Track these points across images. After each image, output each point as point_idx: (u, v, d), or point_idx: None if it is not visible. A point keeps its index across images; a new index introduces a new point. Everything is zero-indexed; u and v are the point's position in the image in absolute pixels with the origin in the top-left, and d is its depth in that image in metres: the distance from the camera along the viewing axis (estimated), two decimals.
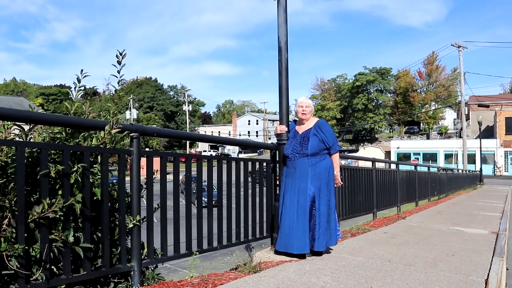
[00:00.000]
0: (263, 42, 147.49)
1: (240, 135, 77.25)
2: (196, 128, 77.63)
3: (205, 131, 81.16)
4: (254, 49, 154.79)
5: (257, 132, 75.36)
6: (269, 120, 75.03)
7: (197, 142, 63.39)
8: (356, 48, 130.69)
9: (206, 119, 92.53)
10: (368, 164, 7.07)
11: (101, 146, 2.60)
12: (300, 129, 3.81)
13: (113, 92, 2.87)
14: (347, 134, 71.49)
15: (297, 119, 3.94)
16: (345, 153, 52.83)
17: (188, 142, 61.08)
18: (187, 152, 61.84)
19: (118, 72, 2.77)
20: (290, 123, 4.02)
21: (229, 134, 77.60)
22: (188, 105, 64.48)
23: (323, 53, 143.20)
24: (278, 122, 4.06)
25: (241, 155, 64.35)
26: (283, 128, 3.94)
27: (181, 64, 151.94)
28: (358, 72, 65.82)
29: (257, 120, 77.13)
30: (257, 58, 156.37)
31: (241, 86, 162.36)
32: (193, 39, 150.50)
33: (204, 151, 70.25)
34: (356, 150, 57.13)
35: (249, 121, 78.28)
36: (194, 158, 3.38)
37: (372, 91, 65.79)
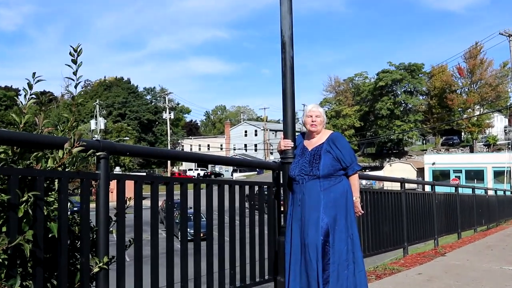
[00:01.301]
0: (263, 33, 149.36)
1: (234, 149, 77.38)
2: (179, 141, 77.94)
3: (191, 145, 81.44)
4: (251, 41, 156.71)
5: (255, 145, 75.57)
6: (270, 130, 75.34)
7: None
8: (379, 40, 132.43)
9: (192, 130, 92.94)
10: (396, 186, 7.08)
11: (59, 169, 2.58)
12: (310, 144, 3.82)
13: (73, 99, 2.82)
14: (369, 147, 71.90)
15: (305, 131, 3.96)
16: (367, 171, 52.88)
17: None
18: (169, 171, 62.88)
19: (75, 73, 2.72)
20: (297, 136, 4.03)
21: (221, 148, 77.77)
22: (170, 112, 64.69)
23: (338, 46, 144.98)
24: (281, 135, 4.07)
25: (237, 174, 64.36)
26: (288, 143, 3.96)
27: (161, 61, 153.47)
28: (381, 70, 66.65)
29: (255, 131, 77.45)
30: (256, 52, 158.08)
31: (236, 88, 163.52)
32: (176, 30, 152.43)
33: (190, 169, 70.26)
34: (381, 167, 57.28)
35: (245, 131, 78.61)
36: (177, 182, 3.38)
37: (399, 93, 66.36)
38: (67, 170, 2.63)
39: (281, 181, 4.13)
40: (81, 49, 2.72)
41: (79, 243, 2.68)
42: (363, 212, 4.06)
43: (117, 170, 41.83)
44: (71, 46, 2.71)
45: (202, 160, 4.00)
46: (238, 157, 74.96)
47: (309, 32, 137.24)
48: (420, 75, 65.90)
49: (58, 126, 2.86)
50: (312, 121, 3.81)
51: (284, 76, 4.08)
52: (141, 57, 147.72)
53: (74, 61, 2.72)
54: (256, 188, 4.12)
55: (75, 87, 2.80)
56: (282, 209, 4.18)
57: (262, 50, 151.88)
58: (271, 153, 70.86)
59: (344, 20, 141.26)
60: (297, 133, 4.04)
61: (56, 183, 2.57)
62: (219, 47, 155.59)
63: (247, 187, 3.97)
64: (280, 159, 4.10)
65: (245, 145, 76.96)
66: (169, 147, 60.65)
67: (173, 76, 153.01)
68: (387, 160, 63.33)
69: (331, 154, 3.66)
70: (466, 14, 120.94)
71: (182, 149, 79.07)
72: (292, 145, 3.95)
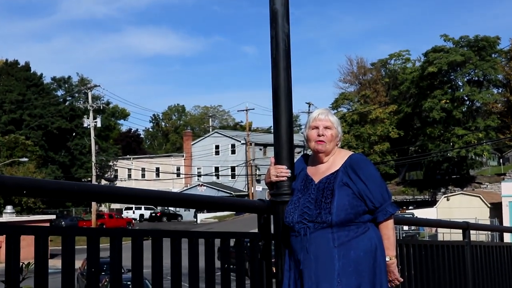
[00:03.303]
0: None
1: (199, 175, 77.19)
2: (111, 163, 77.40)
3: (130, 169, 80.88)
4: (225, 3, 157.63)
5: (233, 169, 75.52)
6: (256, 145, 75.60)
7: None
8: (424, 2, 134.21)
9: (132, 144, 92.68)
10: (457, 234, 7.11)
11: None
12: (316, 172, 3.85)
13: None
14: (413, 171, 72.47)
15: (309, 152, 3.98)
16: (409, 209, 53.18)
17: None
18: (94, 211, 61.89)
19: None
20: (297, 159, 4.05)
21: (178, 174, 77.51)
22: (95, 118, 64.37)
23: (363, 9, 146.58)
24: (272, 158, 4.08)
25: (203, 215, 64.16)
26: (283, 172, 3.95)
27: (80, 35, 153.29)
28: (431, 48, 66.99)
29: (232, 145, 77.66)
30: (232, 21, 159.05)
31: (201, 78, 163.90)
32: None
33: (129, 208, 69.78)
34: (432, 203, 57.58)
35: (217, 146, 78.71)
36: (102, 234, 3.38)
37: (461, 84, 66.90)
38: None
39: (272, 231, 4.13)
40: None
41: None
42: (402, 280, 4.06)
43: (9, 209, 41.32)
44: None
45: (143, 199, 3.96)
46: (204, 187, 74.94)
47: None
48: (494, 55, 65.79)
49: None
50: (319, 136, 3.82)
51: (275, 65, 4.10)
52: (47, 28, 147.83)
53: None
54: (233, 242, 4.12)
55: None
56: (273, 273, 4.18)
57: (243, 16, 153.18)
58: (258, 181, 70.92)
59: None
60: (297, 154, 4.05)
61: None
62: (174, 13, 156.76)
63: (218, 241, 3.96)
64: (270, 195, 4.10)
65: (216, 169, 76.85)
66: (93, 174, 60.24)
67: (100, 59, 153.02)
68: (443, 190, 63.69)
69: (350, 188, 3.68)
70: None
71: (115, 175, 78.62)
72: (289, 174, 3.95)
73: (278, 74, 4.13)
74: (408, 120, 70.48)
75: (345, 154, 3.85)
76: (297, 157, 4.12)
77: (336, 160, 3.83)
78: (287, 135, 4.12)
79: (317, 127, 3.83)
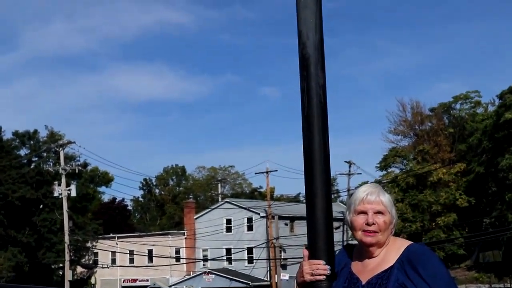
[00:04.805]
0: (261, 14, 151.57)
1: (205, 260, 76.69)
2: (89, 244, 77.15)
3: (115, 252, 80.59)
4: (237, 31, 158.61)
5: (250, 251, 75.10)
6: (280, 218, 75.12)
7: None
8: (502, 23, 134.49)
9: (117, 219, 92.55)
10: None
11: None
12: (364, 269, 3.89)
13: None
14: (488, 250, 71.56)
15: (353, 241, 4.00)
16: None
17: None
18: None
19: None
20: (338, 252, 4.07)
21: (178, 259, 77.04)
22: (69, 184, 64.74)
23: (416, 40, 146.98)
24: (304, 250, 4.07)
25: None
26: (320, 268, 3.93)
27: (48, 77, 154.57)
28: (507, 88, 67.11)
29: (248, 219, 77.40)
30: (246, 53, 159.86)
31: (207, 129, 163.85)
32: (76, 14, 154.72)
33: None
34: None
35: (228, 220, 78.48)
36: None
37: None
38: None
39: None
40: None
41: None
42: None
43: None
44: None
45: None
46: (211, 275, 73.84)
47: (357, 6, 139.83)
48: None
49: None
50: (368, 225, 3.85)
51: (307, 126, 4.11)
52: (7, 68, 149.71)
53: None
54: None
55: None
56: None
57: (261, 47, 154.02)
58: (283, 267, 70.36)
59: None
60: (337, 247, 4.06)
61: None
62: (170, 46, 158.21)
63: None
64: None
65: (228, 250, 76.52)
66: (67, 259, 60.20)
67: (76, 107, 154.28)
68: None
69: None
70: None
71: (95, 260, 78.44)
72: (328, 272, 3.90)
73: (311, 137, 4.13)
74: (480, 183, 69.98)
75: (401, 244, 3.86)
76: (338, 250, 4.13)
77: (389, 252, 3.84)
78: (324, 218, 4.09)
79: (365, 212, 3.86)
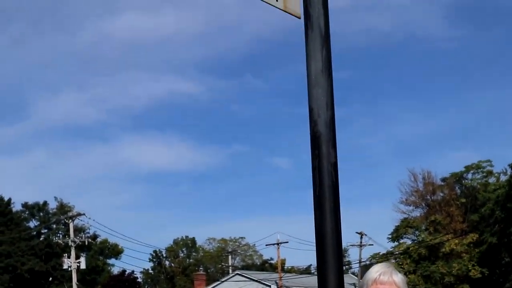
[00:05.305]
0: (271, 82, 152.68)
1: None
2: None
3: None
4: (247, 101, 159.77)
5: None
6: None
7: None
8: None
9: None
10: None
11: None
12: None
13: None
14: None
15: None
16: None
17: None
18: None
19: None
20: None
21: None
22: (79, 256, 64.55)
23: (427, 108, 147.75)
24: None
25: None
26: None
27: (57, 147, 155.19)
28: None
29: None
30: (257, 124, 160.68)
31: (218, 201, 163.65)
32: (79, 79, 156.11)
33: None
34: None
35: None
36: None
37: None
38: None
39: None
40: None
41: None
42: None
43: None
44: None
45: None
46: None
47: (366, 76, 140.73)
48: None
49: None
50: None
51: (318, 206, 4.09)
52: (16, 139, 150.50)
53: None
54: None
55: None
56: None
57: (272, 117, 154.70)
58: None
59: (446, 51, 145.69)
60: None
61: None
62: (181, 116, 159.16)
63: None
64: None
65: None
66: None
67: (85, 178, 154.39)
68: None
69: None
70: None
71: None
72: None
73: (323, 217, 4.12)
74: (493, 254, 69.54)
75: None
76: None
77: None
78: None
79: None
